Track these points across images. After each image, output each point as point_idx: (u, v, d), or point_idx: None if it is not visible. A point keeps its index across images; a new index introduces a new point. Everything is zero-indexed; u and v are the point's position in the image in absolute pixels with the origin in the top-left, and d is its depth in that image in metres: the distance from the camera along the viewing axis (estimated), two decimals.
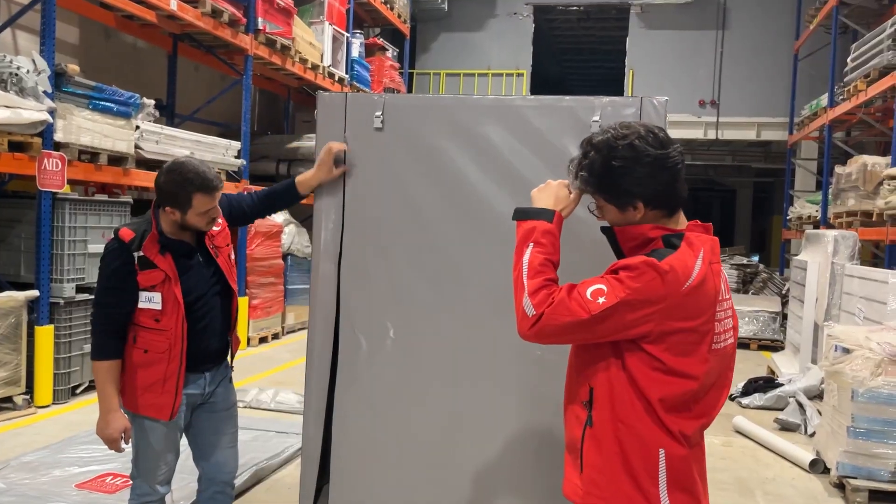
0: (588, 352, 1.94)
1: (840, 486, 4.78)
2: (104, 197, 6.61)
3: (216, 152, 8.26)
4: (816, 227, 11.65)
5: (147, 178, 7.25)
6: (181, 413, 2.88)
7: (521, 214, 2.07)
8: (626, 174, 1.86)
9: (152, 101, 7.34)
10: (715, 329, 1.88)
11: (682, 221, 1.95)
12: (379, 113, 2.99)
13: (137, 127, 6.99)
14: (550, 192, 2.09)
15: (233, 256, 3.05)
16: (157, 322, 2.77)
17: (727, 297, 1.94)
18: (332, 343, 3.09)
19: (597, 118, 2.80)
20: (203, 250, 2.90)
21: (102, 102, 6.47)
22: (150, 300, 2.77)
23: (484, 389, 2.95)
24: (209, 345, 2.91)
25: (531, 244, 1.97)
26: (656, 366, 1.84)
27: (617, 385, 1.89)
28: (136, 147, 6.99)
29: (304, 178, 3.01)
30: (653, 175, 1.84)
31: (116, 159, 6.75)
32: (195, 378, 2.90)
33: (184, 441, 3.00)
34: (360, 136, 3.01)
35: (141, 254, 2.76)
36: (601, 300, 1.79)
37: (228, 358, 3.09)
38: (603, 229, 2.01)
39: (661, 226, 1.90)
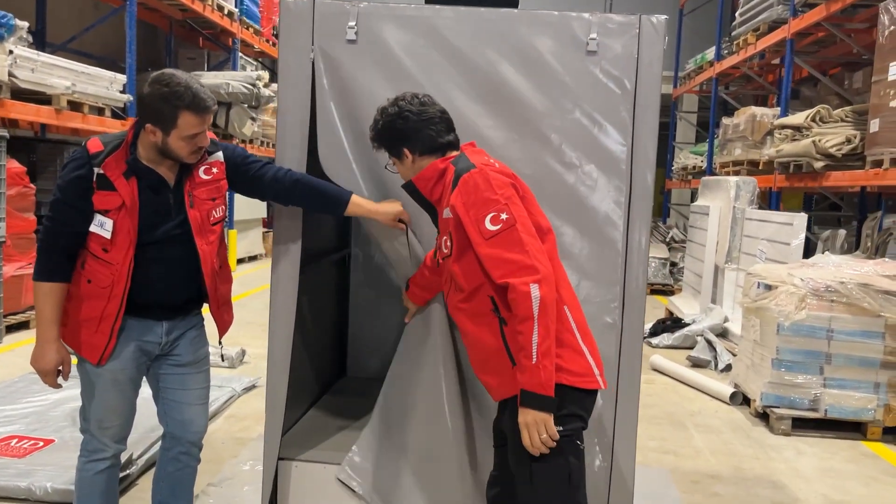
0: (471, 272, 2.16)
1: (763, 415, 5.00)
2: None
3: (99, 85, 7.47)
4: (701, 176, 12.17)
5: (23, 111, 6.45)
6: (132, 362, 2.53)
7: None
8: (392, 128, 2.31)
9: (26, 24, 6.50)
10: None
11: None
12: (352, 23, 2.69)
13: (10, 52, 6.17)
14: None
15: (218, 216, 2.60)
16: (105, 252, 2.41)
17: None
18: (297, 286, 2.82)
19: (594, 36, 2.63)
20: (179, 191, 2.49)
21: None
22: (101, 225, 2.40)
23: None
24: (166, 295, 2.55)
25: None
26: None
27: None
28: (10, 75, 6.18)
29: (364, 205, 2.64)
30: (414, 129, 2.28)
31: None
32: (150, 325, 2.55)
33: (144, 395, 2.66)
34: (331, 49, 2.70)
35: (101, 171, 2.38)
36: (503, 216, 2.07)
37: (218, 338, 2.77)
38: (403, 186, 2.39)
39: (445, 157, 2.29)
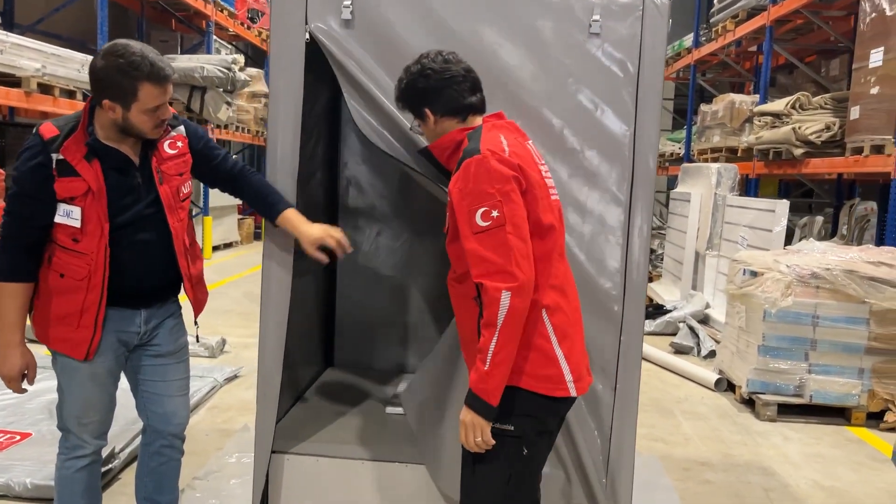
0: (462, 257, 2.08)
1: (748, 401, 5.02)
2: None
3: (70, 68, 7.24)
4: (680, 163, 12.21)
5: None
6: (111, 354, 2.43)
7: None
8: (413, 88, 2.19)
9: None
10: (547, 183, 2.17)
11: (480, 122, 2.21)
12: (348, 2, 2.59)
13: None
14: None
15: (186, 191, 2.50)
16: (76, 242, 2.29)
17: (542, 162, 2.24)
18: (291, 269, 2.73)
19: (597, 17, 2.57)
20: (146, 169, 2.38)
21: None
22: (67, 215, 2.27)
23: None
24: (143, 281, 2.44)
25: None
26: None
27: None
28: None
29: (294, 220, 2.56)
30: (435, 88, 2.15)
31: None
32: (128, 314, 2.44)
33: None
34: (326, 29, 2.60)
35: (60, 156, 2.24)
36: (494, 213, 1.96)
37: (193, 317, 2.66)
38: (419, 152, 2.32)
39: (463, 128, 2.16)
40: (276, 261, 2.71)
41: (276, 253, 2.71)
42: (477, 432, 1.99)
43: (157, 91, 2.24)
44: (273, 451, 2.83)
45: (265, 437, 2.77)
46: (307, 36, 2.61)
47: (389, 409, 3.30)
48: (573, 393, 2.08)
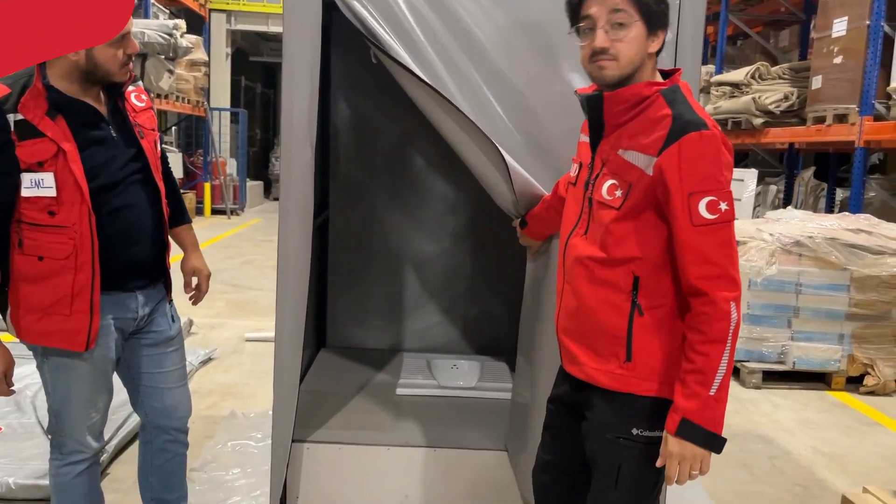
0: (632, 240, 1.75)
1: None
2: None
3: None
4: None
5: None
6: (109, 342, 2.18)
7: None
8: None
9: None
10: None
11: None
12: None
13: None
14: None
15: (159, 149, 2.29)
16: (52, 216, 2.01)
17: None
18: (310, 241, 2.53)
19: None
20: (118, 122, 2.13)
21: None
22: (38, 184, 1.98)
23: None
24: (135, 252, 2.17)
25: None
26: None
27: (671, 273, 1.75)
28: None
29: (191, 237, 2.52)
30: (667, 13, 1.77)
31: None
32: (122, 298, 2.19)
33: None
34: None
35: (19, 116, 1.96)
36: (723, 206, 1.66)
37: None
38: (589, 98, 1.81)
39: (652, 81, 1.77)
40: (294, 235, 2.50)
41: (294, 227, 2.49)
42: (696, 464, 1.69)
43: None
44: (292, 441, 2.66)
45: (285, 426, 2.58)
46: None
47: (400, 391, 3.16)
48: None
